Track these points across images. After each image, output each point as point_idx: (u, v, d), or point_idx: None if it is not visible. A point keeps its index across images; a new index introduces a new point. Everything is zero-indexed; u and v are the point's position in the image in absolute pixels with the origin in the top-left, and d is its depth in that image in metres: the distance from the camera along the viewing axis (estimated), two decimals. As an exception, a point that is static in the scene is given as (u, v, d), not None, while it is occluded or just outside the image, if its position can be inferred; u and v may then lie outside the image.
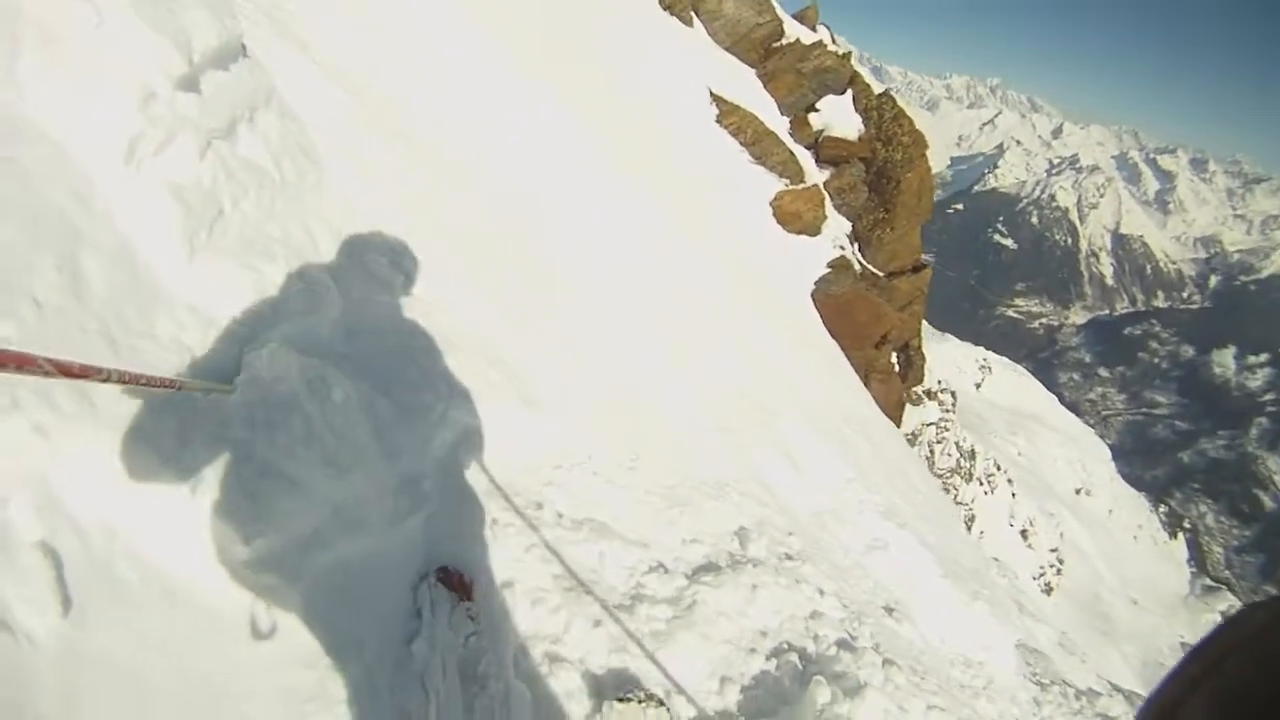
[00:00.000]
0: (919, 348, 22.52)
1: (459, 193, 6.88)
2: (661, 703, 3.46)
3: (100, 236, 2.79)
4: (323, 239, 4.02)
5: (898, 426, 17.42)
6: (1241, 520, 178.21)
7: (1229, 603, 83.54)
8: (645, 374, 7.33)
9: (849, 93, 20.59)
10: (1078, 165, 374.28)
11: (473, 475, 4.11)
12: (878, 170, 19.67)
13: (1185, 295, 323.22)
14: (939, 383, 65.75)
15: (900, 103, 19.84)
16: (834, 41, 21.84)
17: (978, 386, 78.55)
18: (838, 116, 19.91)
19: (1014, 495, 65.57)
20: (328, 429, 3.17)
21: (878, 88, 20.53)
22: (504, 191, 7.91)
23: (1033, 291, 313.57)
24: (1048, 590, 61.80)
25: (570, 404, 5.63)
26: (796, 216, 16.41)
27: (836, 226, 18.12)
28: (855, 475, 9.08)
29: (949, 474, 62.30)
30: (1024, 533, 64.15)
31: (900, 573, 7.77)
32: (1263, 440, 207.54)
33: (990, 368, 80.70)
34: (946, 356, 73.33)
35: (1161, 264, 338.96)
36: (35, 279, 2.47)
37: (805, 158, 18.63)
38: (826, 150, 19.40)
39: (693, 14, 19.82)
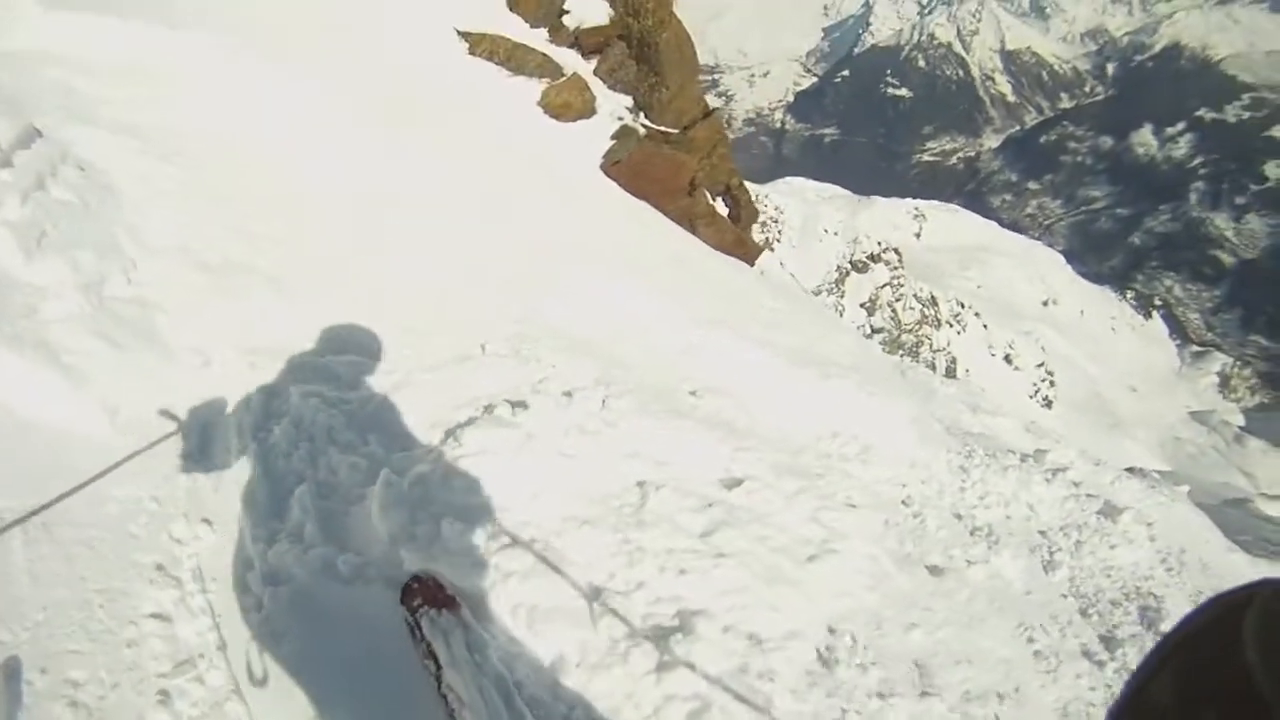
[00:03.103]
0: (740, 185, 21.85)
1: (219, 179, 7.27)
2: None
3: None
4: (120, 233, 5.38)
5: (750, 264, 18.37)
6: (1207, 283, 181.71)
7: (1222, 361, 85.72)
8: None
9: (591, -15, 21.15)
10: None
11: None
12: (638, 42, 19.63)
13: (1088, 90, 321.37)
14: (879, 245, 67.52)
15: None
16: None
17: (918, 236, 79.61)
18: (587, 10, 19.43)
19: (985, 326, 66.59)
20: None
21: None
22: (255, 165, 8.08)
23: (941, 131, 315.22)
24: (1048, 404, 63.02)
25: (323, 296, 6.08)
26: (567, 106, 16.69)
27: (614, 103, 18.20)
28: (671, 303, 9.07)
29: (917, 325, 64.08)
30: (1008, 358, 65.32)
31: (723, 363, 7.84)
32: (1203, 202, 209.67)
33: (924, 215, 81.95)
34: (879, 218, 75.19)
35: (1056, 67, 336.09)
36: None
37: (568, 56, 18.58)
38: (586, 42, 19.31)
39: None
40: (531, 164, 14.17)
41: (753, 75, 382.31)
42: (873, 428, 7.63)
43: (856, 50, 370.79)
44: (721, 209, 20.47)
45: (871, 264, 64.31)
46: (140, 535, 3.57)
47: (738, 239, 19.29)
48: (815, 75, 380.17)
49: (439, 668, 3.21)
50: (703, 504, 5.19)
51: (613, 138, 16.74)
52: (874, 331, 56.23)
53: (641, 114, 19.08)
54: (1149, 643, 6.05)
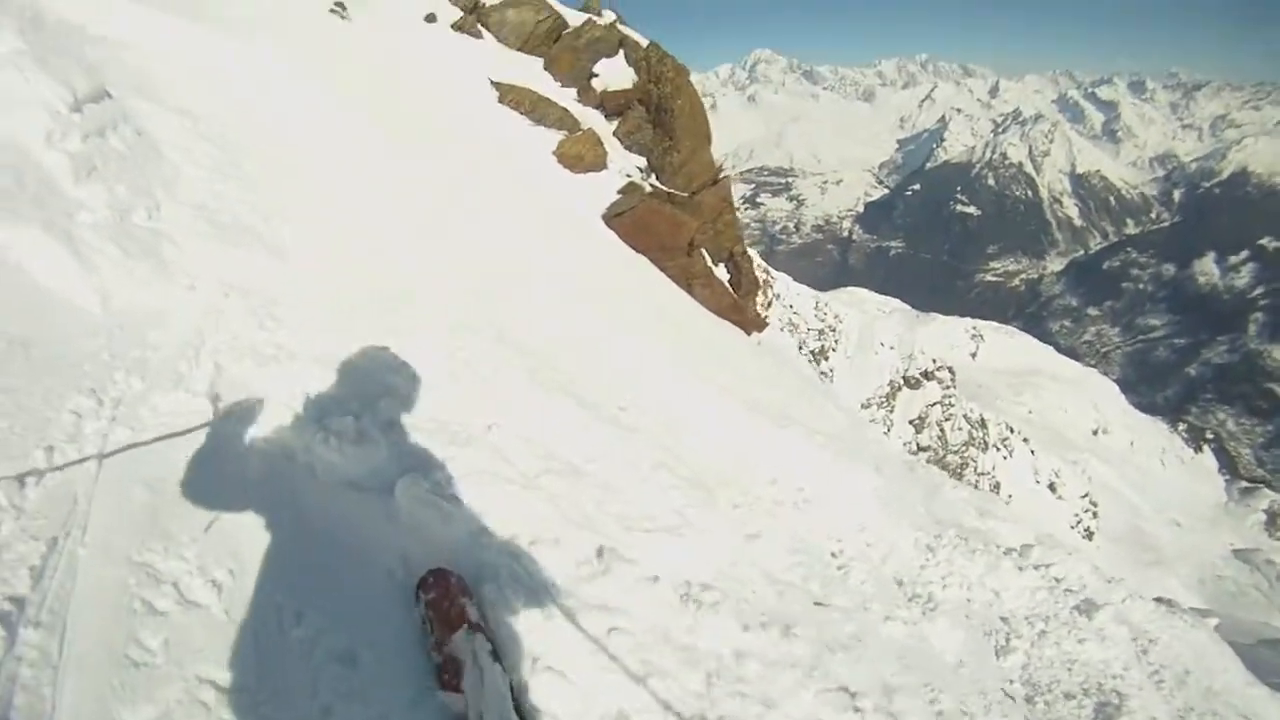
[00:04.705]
0: (744, 253, 23.30)
1: (252, 164, 8.11)
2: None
3: (31, 170, 5.28)
4: (155, 184, 6.33)
5: (748, 331, 18.86)
6: (1261, 417, 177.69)
7: (1270, 499, 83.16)
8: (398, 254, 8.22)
9: (620, 53, 22.36)
10: (1021, 119, 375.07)
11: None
12: (655, 106, 21.45)
13: (1154, 216, 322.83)
14: (934, 362, 67.20)
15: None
16: (621, 21, 23.43)
17: (973, 356, 79.58)
18: (614, 74, 21.72)
19: (1033, 453, 65.49)
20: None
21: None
22: (287, 159, 9.03)
23: (1006, 252, 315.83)
24: (1089, 535, 61.43)
25: (307, 259, 6.78)
26: (579, 158, 17.74)
27: (628, 161, 19.50)
28: (634, 335, 9.25)
29: (964, 446, 63.27)
30: (1052, 486, 63.85)
31: (669, 396, 7.57)
32: (1262, 335, 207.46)
33: (982, 335, 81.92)
34: (937, 335, 75.04)
35: (1123, 192, 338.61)
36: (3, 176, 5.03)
37: (593, 116, 20.43)
38: (609, 103, 21.20)
39: (480, 28, 21.82)
40: (537, 205, 14.94)
41: (825, 182, 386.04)
42: (824, 485, 7.03)
43: (929, 165, 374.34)
44: (725, 276, 21.22)
45: (924, 381, 63.93)
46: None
47: (735, 305, 20.03)
48: (887, 186, 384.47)
49: (458, 669, 3.14)
50: (544, 454, 4.99)
51: (619, 192, 17.77)
52: (920, 449, 55.78)
53: (654, 175, 20.33)
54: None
